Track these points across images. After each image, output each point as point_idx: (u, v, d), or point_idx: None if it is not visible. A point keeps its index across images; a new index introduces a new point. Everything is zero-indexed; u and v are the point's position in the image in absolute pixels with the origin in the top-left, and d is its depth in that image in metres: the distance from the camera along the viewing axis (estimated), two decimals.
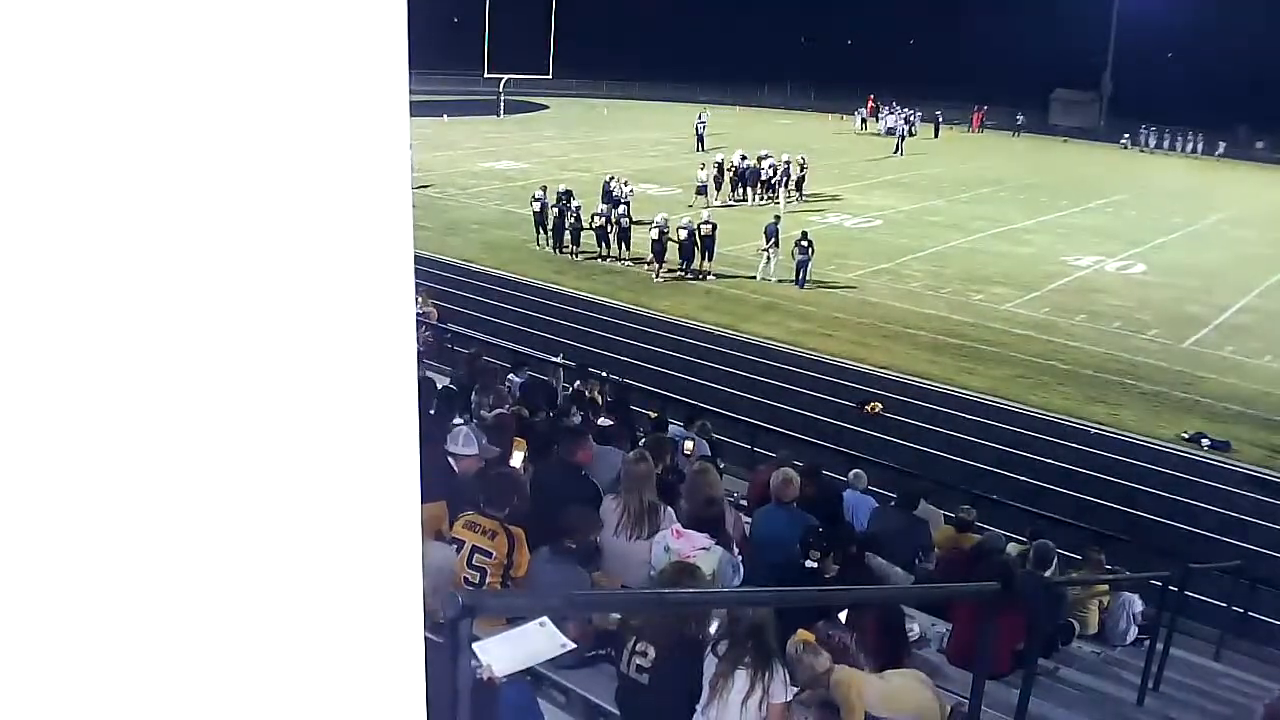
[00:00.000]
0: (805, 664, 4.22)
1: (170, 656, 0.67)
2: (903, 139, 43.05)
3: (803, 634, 4.35)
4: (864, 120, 51.31)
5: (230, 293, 0.66)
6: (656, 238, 21.23)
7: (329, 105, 0.68)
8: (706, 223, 21.87)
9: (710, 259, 21.77)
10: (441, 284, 19.52)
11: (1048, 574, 7.43)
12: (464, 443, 6.09)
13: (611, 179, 25.95)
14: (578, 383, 10.94)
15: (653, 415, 10.36)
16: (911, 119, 46.04)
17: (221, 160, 0.64)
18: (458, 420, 6.36)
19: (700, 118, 41.60)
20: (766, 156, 30.33)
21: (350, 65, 0.68)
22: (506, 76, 49.27)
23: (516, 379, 10.21)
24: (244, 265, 0.66)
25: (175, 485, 0.65)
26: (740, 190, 29.86)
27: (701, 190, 28.10)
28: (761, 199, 29.31)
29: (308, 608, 0.73)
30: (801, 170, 30.53)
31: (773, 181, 29.39)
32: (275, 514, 0.70)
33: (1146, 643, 7.71)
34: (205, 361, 0.65)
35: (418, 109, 43.90)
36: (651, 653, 4.21)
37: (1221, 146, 49.28)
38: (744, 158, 30.34)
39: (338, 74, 0.68)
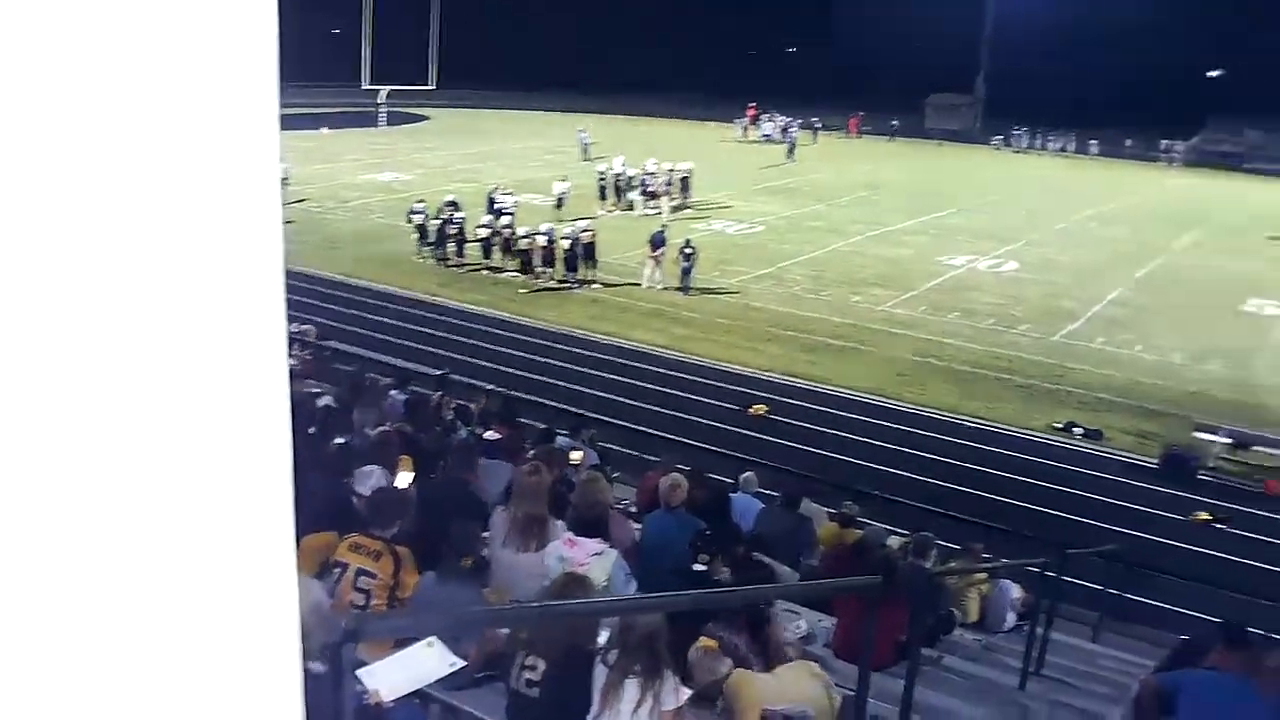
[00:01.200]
0: (706, 669, 4.28)
1: (37, 698, 0.65)
2: (793, 146, 44.08)
3: (705, 641, 4.41)
4: (745, 128, 52.18)
5: (88, 313, 0.64)
6: (544, 245, 21.34)
7: (196, 118, 0.67)
8: (587, 230, 21.99)
9: (594, 267, 21.89)
10: (321, 300, 19.14)
11: (928, 565, 7.66)
12: (373, 486, 6.00)
13: (496, 190, 25.81)
14: (439, 394, 10.83)
15: (541, 426, 10.35)
16: (790, 126, 47.03)
17: (80, 175, 0.62)
18: (370, 467, 6.27)
19: (581, 129, 41.71)
20: (649, 165, 30.53)
21: (219, 77, 0.67)
22: (388, 87, 48.53)
23: (400, 396, 10.06)
24: (103, 285, 0.64)
25: (31, 513, 0.64)
26: (624, 199, 29.99)
27: (560, 203, 27.37)
28: (646, 208, 29.45)
29: (177, 637, 0.71)
30: (685, 178, 30.84)
31: (656, 190, 29.61)
32: (141, 544, 0.68)
33: (1027, 628, 7.96)
34: (63, 386, 0.63)
35: (297, 121, 42.94)
36: (541, 666, 4.20)
37: (1094, 146, 51.67)
38: (619, 164, 30.53)
39: (206, 86, 0.67)
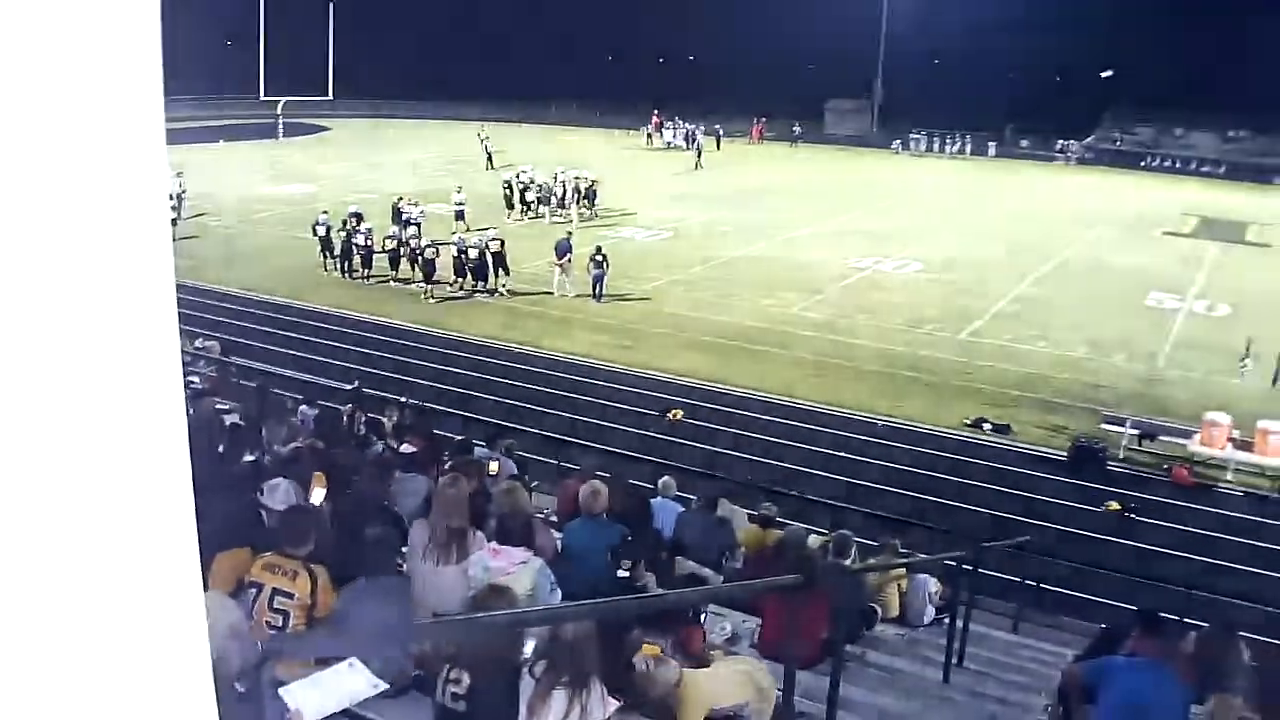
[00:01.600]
0: (656, 678, 4.25)
1: None
2: (700, 153, 44.53)
3: (649, 648, 4.37)
4: (650, 135, 52.52)
5: None
6: (454, 255, 21.28)
7: (78, 131, 0.63)
8: (495, 239, 21.92)
9: (506, 276, 21.81)
10: (224, 316, 18.63)
11: (848, 563, 7.75)
12: (281, 499, 5.84)
13: (401, 200, 25.52)
14: (351, 407, 10.65)
15: (457, 438, 10.21)
16: (694, 133, 47.48)
17: None
18: (277, 480, 6.10)
19: (482, 136, 41.47)
20: (557, 173, 30.55)
21: (103, 91, 0.64)
22: (284, 99, 47.63)
23: (310, 411, 9.84)
24: None
25: None
26: (533, 207, 29.90)
27: (460, 214, 26.82)
28: (555, 216, 29.39)
29: (84, 665, 0.67)
30: (591, 186, 30.90)
31: (564, 198, 29.61)
32: (39, 572, 0.64)
33: (947, 621, 8.08)
34: None
35: (194, 135, 41.91)
36: (466, 679, 4.12)
37: (991, 147, 53.25)
38: (525, 173, 30.48)
39: (89, 101, 0.63)
